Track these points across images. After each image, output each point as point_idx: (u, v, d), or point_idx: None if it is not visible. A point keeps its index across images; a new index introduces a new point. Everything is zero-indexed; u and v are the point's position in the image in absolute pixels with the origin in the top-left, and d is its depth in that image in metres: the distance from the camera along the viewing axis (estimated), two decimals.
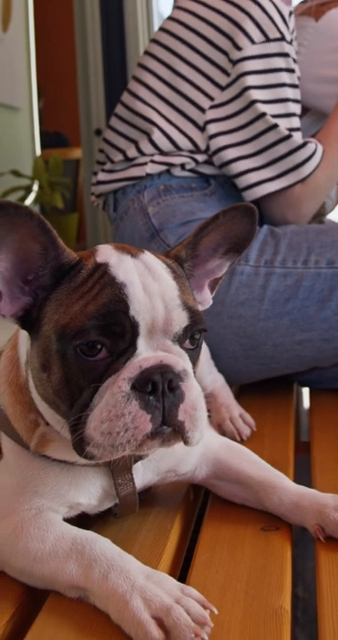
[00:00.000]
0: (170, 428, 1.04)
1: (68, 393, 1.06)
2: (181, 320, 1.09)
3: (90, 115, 4.32)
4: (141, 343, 1.06)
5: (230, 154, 2.08)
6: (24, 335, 1.19)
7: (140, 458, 1.22)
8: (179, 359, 1.07)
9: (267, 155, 2.07)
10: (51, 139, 6.75)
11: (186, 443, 1.07)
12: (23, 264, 1.08)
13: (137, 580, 1.01)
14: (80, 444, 1.05)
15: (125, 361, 1.04)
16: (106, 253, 1.12)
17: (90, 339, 1.03)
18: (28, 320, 1.10)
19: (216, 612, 1.01)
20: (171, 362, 1.05)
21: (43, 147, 6.33)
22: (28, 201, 4.90)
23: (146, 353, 1.05)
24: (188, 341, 1.12)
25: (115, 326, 1.04)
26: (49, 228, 1.05)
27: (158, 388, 1.03)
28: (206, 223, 1.21)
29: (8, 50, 5.63)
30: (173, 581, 1.03)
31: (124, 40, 4.23)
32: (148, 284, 1.08)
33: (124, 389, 1.02)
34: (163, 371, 1.04)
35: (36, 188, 4.89)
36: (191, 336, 1.12)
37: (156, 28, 4.05)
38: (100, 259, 1.10)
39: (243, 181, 2.09)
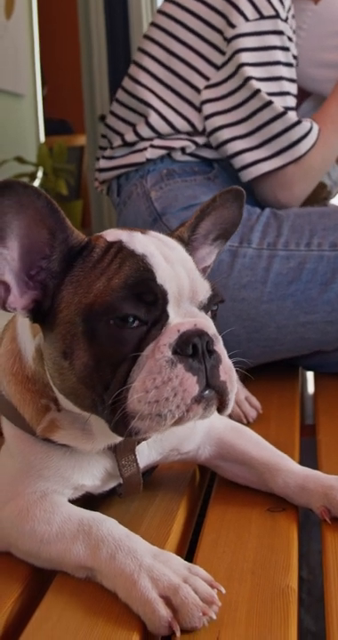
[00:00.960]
0: (213, 392, 1.04)
1: (98, 375, 1.03)
2: (205, 289, 1.10)
3: (94, 101, 4.31)
4: (171, 310, 1.05)
5: (226, 134, 2.07)
6: (24, 328, 1.17)
7: (143, 439, 1.21)
8: (210, 323, 1.07)
9: (262, 134, 2.06)
10: (55, 126, 6.74)
11: (223, 407, 1.07)
12: (28, 256, 1.05)
13: (144, 559, 1.01)
14: (123, 422, 1.02)
15: (161, 328, 1.03)
16: (115, 233, 1.11)
17: (123, 311, 1.01)
18: (39, 312, 1.08)
19: (223, 590, 1.01)
20: (205, 325, 1.05)
21: (47, 134, 6.32)
22: None
23: (178, 319, 1.05)
24: (209, 312, 1.12)
25: (146, 295, 1.03)
26: (57, 208, 1.03)
27: (199, 351, 1.02)
28: (206, 205, 1.21)
29: (11, 37, 5.62)
30: (180, 561, 1.04)
31: (128, 26, 4.22)
32: (167, 255, 1.08)
33: (166, 355, 1.01)
34: (199, 334, 1.03)
35: (40, 174, 4.89)
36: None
37: None
38: (110, 238, 1.09)
39: (238, 162, 2.08)
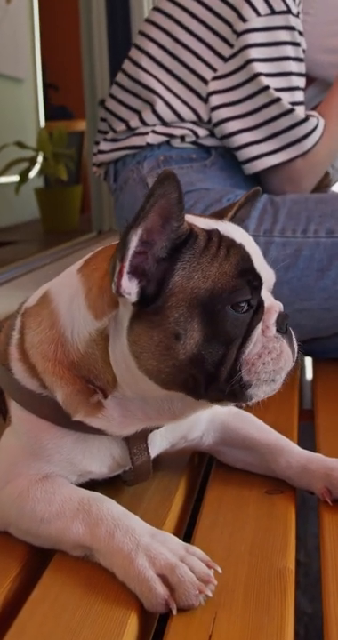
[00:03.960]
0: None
1: (209, 353, 1.08)
2: (273, 276, 1.21)
3: (94, 86, 4.30)
4: (263, 294, 1.15)
5: (232, 126, 2.07)
6: (77, 312, 1.15)
7: (156, 427, 1.23)
8: None
9: (268, 128, 2.06)
10: (56, 112, 6.73)
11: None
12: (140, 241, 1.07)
13: (142, 538, 1.02)
14: (240, 390, 1.11)
15: (261, 310, 1.13)
16: (202, 222, 1.15)
17: (240, 296, 1.09)
18: (143, 298, 1.08)
19: (220, 570, 1.02)
20: (282, 307, 1.17)
21: (47, 119, 6.31)
22: (33, 172, 4.90)
23: (268, 301, 1.15)
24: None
25: (255, 281, 1.12)
26: (183, 199, 1.05)
27: (288, 329, 1.17)
28: (243, 201, 1.30)
29: (12, 22, 5.61)
30: (177, 541, 1.05)
31: (129, 11, 4.21)
32: (252, 244, 1.17)
33: (273, 332, 1.13)
34: (285, 314, 1.16)
35: (40, 159, 4.88)
36: None
37: None
38: (204, 226, 1.13)
39: (243, 154, 2.09)
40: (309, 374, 2.43)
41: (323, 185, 2.43)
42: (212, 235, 1.11)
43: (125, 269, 1.05)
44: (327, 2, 2.35)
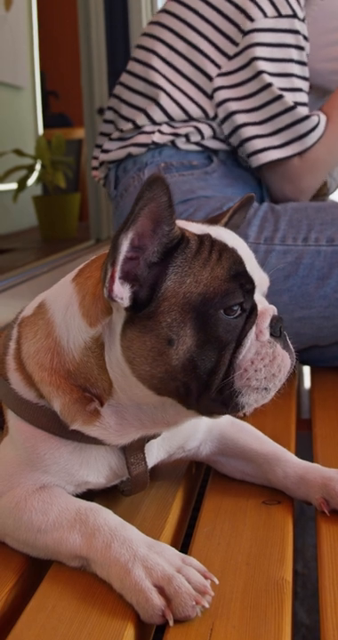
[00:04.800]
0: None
1: (201, 359, 1.08)
2: (267, 280, 1.21)
3: (93, 94, 4.31)
4: (256, 298, 1.15)
5: (240, 119, 2.10)
6: (71, 321, 1.15)
7: (153, 437, 1.23)
8: None
9: (272, 124, 2.09)
10: (55, 119, 6.74)
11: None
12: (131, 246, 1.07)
13: (139, 549, 1.02)
14: (230, 398, 1.11)
15: (254, 314, 1.13)
16: (195, 227, 1.16)
17: (233, 300, 1.09)
18: (135, 303, 1.08)
19: (217, 581, 1.02)
20: (276, 311, 1.16)
21: (46, 127, 6.32)
22: (31, 180, 4.90)
23: (261, 305, 1.15)
24: None
25: (247, 285, 1.12)
26: (173, 203, 1.05)
27: (282, 332, 1.15)
28: (237, 207, 1.31)
29: (11, 29, 5.62)
30: (174, 551, 1.04)
31: (127, 20, 4.22)
32: (245, 248, 1.16)
33: (267, 337, 1.13)
34: (279, 318, 1.16)
35: (38, 167, 4.89)
36: None
37: (159, 6, 4.04)
38: (195, 231, 1.13)
39: (249, 147, 2.11)
40: (306, 383, 2.42)
41: (321, 193, 2.43)
42: (203, 239, 1.12)
43: (117, 274, 1.05)
44: (325, 11, 2.35)
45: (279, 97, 2.07)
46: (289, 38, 2.12)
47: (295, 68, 2.13)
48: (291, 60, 2.12)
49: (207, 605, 0.97)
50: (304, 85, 2.16)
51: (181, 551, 1.06)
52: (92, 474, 1.21)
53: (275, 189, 2.20)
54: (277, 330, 1.14)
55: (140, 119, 2.16)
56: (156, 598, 0.96)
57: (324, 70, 2.36)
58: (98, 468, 1.21)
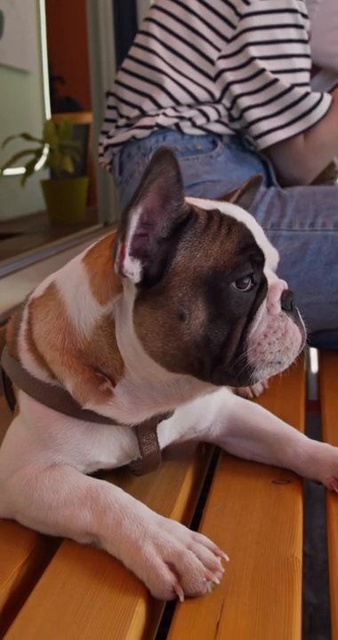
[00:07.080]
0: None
1: (214, 333, 1.08)
2: (276, 255, 1.21)
3: (100, 78, 4.30)
4: (267, 272, 1.15)
5: (245, 102, 2.10)
6: (82, 299, 1.16)
7: (165, 417, 1.23)
8: None
9: (275, 104, 2.09)
10: (62, 104, 6.73)
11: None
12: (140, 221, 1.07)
13: (150, 526, 1.02)
14: (245, 373, 1.10)
15: (265, 288, 1.13)
16: (204, 203, 1.15)
17: (244, 272, 1.09)
18: (146, 279, 1.08)
19: (227, 558, 1.02)
20: (286, 285, 1.16)
21: (54, 112, 6.31)
22: (39, 164, 4.89)
23: (272, 279, 1.15)
24: None
25: (257, 257, 1.11)
26: (182, 177, 1.05)
27: (293, 306, 1.15)
28: (246, 186, 1.30)
29: (18, 14, 5.61)
30: (184, 529, 1.05)
31: (135, 3, 4.21)
32: (253, 222, 1.16)
33: (279, 311, 1.13)
34: (290, 291, 1.16)
35: (46, 151, 4.88)
36: None
37: None
38: (204, 207, 1.13)
39: (256, 129, 2.11)
40: (314, 366, 2.42)
41: (328, 177, 2.42)
42: (212, 214, 1.12)
43: (127, 249, 1.05)
44: None
45: (274, 81, 2.07)
46: (287, 18, 2.10)
47: (296, 48, 2.12)
48: (290, 41, 2.11)
49: (218, 581, 0.97)
50: (306, 64, 2.15)
51: (191, 530, 1.06)
52: (104, 454, 1.21)
53: (282, 171, 2.21)
54: (288, 304, 1.14)
55: (146, 104, 2.16)
56: (167, 574, 0.96)
57: (332, 51, 2.35)
58: (110, 448, 1.21)
